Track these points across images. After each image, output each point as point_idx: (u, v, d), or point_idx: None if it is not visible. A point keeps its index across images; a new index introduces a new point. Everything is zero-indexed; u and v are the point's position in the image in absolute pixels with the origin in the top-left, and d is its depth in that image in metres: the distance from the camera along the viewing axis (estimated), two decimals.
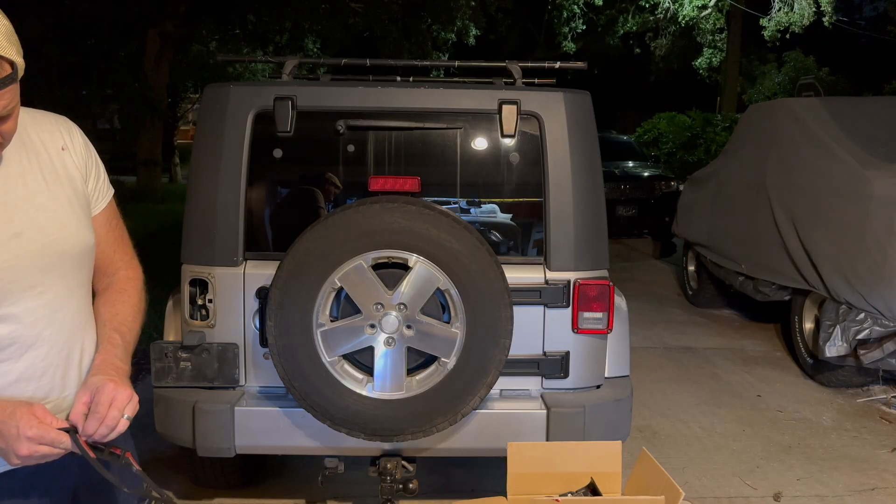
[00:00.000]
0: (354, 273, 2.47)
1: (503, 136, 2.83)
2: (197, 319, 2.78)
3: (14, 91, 1.27)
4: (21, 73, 1.27)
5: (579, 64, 3.35)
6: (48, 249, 1.41)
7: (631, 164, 11.83)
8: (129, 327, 1.56)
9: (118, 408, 1.34)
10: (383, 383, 2.51)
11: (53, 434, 1.28)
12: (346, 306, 2.53)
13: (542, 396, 2.82)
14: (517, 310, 2.56)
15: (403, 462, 2.79)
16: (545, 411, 2.73)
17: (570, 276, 2.80)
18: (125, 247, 1.65)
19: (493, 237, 2.90)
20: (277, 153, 2.82)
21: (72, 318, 1.47)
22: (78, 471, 1.49)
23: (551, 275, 2.80)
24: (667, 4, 19.42)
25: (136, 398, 1.38)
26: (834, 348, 4.70)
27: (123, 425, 1.34)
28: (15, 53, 1.25)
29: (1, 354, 1.37)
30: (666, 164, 15.73)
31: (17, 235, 1.37)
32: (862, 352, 4.61)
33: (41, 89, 9.99)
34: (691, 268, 7.68)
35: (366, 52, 16.97)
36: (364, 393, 2.51)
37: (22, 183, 1.40)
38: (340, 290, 2.50)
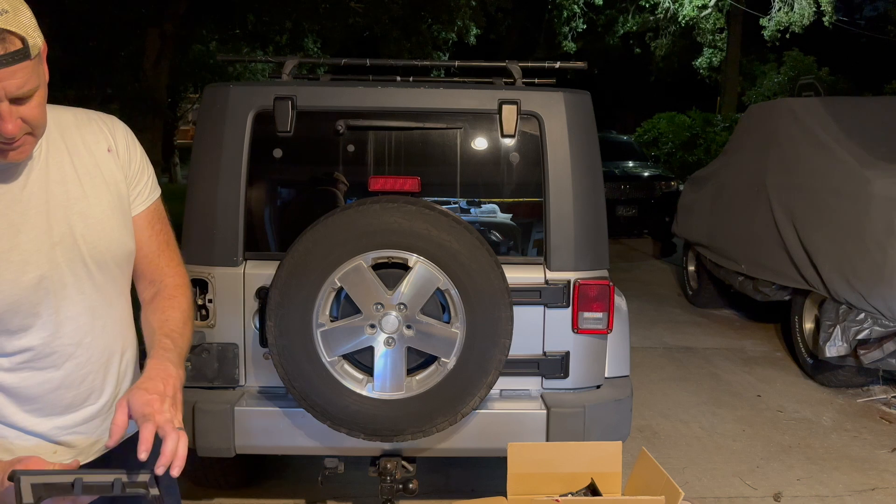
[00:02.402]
0: (354, 273, 2.47)
1: (503, 136, 2.83)
2: (197, 319, 2.78)
3: (29, 70, 1.21)
4: (36, 52, 1.22)
5: (579, 64, 3.35)
6: (88, 258, 1.39)
7: (631, 164, 11.83)
8: (181, 332, 1.47)
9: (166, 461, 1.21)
10: (383, 383, 2.51)
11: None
12: (346, 306, 2.53)
13: (542, 396, 2.82)
14: (517, 310, 2.56)
15: (403, 462, 2.79)
16: (545, 411, 2.73)
17: (570, 276, 2.80)
18: (171, 252, 1.57)
19: (493, 237, 2.90)
20: (277, 153, 2.82)
21: (112, 325, 1.45)
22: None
23: (551, 275, 2.80)
24: (667, 4, 19.42)
25: (183, 439, 1.24)
26: (834, 348, 4.70)
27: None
28: (30, 31, 1.20)
29: (41, 363, 1.36)
30: (666, 164, 15.74)
31: (57, 244, 1.35)
32: (862, 352, 4.61)
33: None
34: (691, 268, 7.68)
35: (366, 52, 16.96)
36: (364, 393, 2.51)
37: (63, 189, 1.38)
38: (340, 290, 2.50)
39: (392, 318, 2.48)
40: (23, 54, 1.19)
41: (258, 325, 2.76)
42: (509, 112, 2.80)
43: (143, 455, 1.18)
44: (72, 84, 12.32)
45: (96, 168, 1.43)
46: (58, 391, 1.38)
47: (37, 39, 1.22)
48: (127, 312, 1.51)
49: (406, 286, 2.47)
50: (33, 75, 1.23)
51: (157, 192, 1.56)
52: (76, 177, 1.40)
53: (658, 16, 20.58)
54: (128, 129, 1.53)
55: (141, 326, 1.53)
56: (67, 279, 1.37)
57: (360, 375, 2.55)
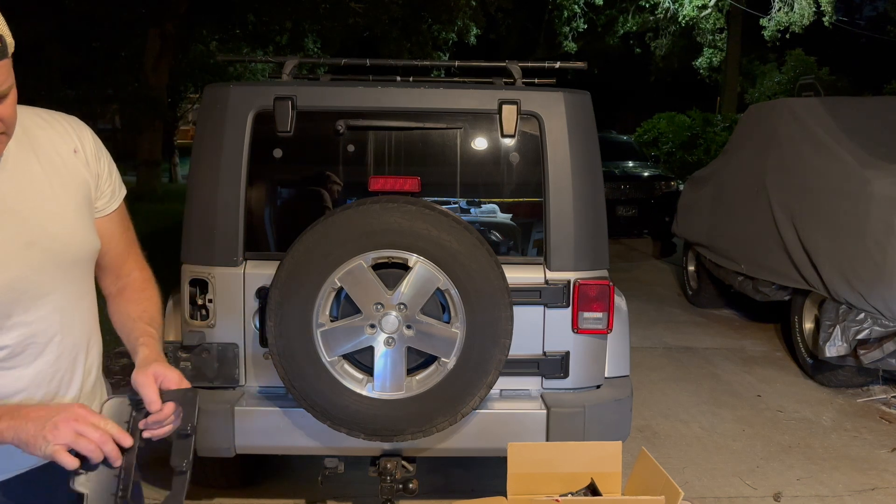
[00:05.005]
0: (354, 273, 2.47)
1: (503, 136, 2.83)
2: (197, 319, 2.78)
3: (6, 68, 1.22)
4: (11, 50, 1.23)
5: (579, 64, 3.35)
6: (59, 257, 1.40)
7: (631, 164, 11.82)
8: (159, 323, 1.57)
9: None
10: (383, 383, 2.51)
11: (104, 420, 1.26)
12: (346, 306, 2.53)
13: (542, 396, 2.82)
14: (517, 310, 2.56)
15: (403, 462, 2.80)
16: (545, 411, 2.73)
17: (570, 276, 2.80)
18: (136, 250, 1.64)
19: (493, 237, 2.90)
20: (277, 153, 2.82)
21: (80, 322, 1.47)
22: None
23: (551, 275, 2.80)
24: (667, 4, 19.43)
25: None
26: (834, 348, 4.70)
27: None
28: (4, 29, 1.21)
29: (13, 361, 1.36)
30: (666, 164, 15.73)
31: (30, 244, 1.36)
32: (862, 352, 4.61)
33: (42, 89, 10.00)
34: (691, 268, 7.68)
35: (366, 52, 16.97)
36: (364, 393, 2.51)
37: (32, 190, 1.38)
38: (340, 290, 2.50)
39: (392, 318, 2.48)
40: (2, 53, 1.20)
41: (258, 325, 2.76)
42: (509, 112, 2.80)
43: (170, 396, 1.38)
44: (72, 84, 12.31)
45: (63, 168, 1.44)
46: (28, 389, 1.39)
47: (10, 38, 1.23)
48: (93, 309, 1.54)
49: (406, 286, 2.47)
50: (9, 74, 1.24)
51: (124, 191, 1.61)
52: (45, 177, 1.41)
53: (658, 16, 20.59)
54: (93, 133, 1.55)
55: (110, 316, 1.58)
56: (40, 279, 1.37)
57: (360, 375, 2.55)
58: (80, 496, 1.29)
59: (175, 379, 1.41)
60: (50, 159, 1.43)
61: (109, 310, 1.59)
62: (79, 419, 1.23)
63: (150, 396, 1.35)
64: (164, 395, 1.37)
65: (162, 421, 1.36)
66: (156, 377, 1.38)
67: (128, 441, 1.28)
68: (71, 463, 1.24)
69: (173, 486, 1.36)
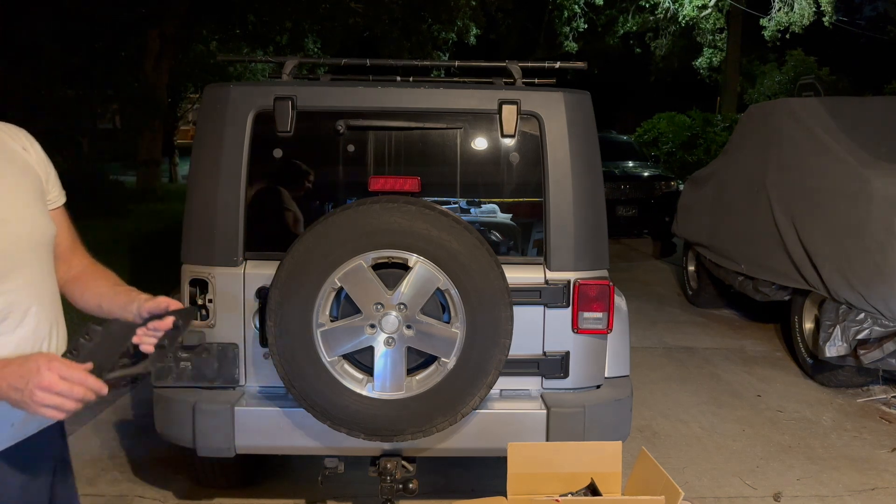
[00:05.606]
0: (354, 273, 2.47)
1: (503, 136, 2.83)
2: (197, 319, 2.78)
3: None
4: None
5: (579, 64, 3.36)
6: (28, 237, 1.53)
7: (631, 164, 11.82)
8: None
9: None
10: (383, 383, 2.51)
11: (80, 372, 1.30)
12: (346, 306, 2.53)
13: (542, 396, 2.82)
14: (517, 310, 2.56)
15: (403, 462, 2.80)
16: (545, 411, 2.73)
17: (570, 276, 2.80)
18: (81, 244, 1.80)
19: (493, 237, 2.90)
20: (277, 153, 2.82)
21: (50, 298, 1.59)
22: (60, 444, 1.65)
23: (551, 275, 2.80)
24: (667, 4, 19.43)
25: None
26: (834, 348, 4.70)
27: None
28: None
29: None
30: (666, 164, 15.74)
31: (5, 222, 1.48)
32: (862, 352, 4.61)
33: (42, 89, 10.00)
34: (691, 268, 7.68)
35: (366, 52, 16.97)
36: (364, 393, 2.51)
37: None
38: (340, 290, 2.50)
39: (392, 318, 2.48)
40: None
41: (258, 325, 2.77)
42: (509, 112, 2.80)
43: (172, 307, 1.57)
44: (72, 84, 12.31)
45: (18, 161, 1.59)
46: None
47: None
48: (57, 292, 1.66)
49: (406, 286, 2.47)
50: None
51: (64, 193, 1.75)
52: (4, 166, 1.54)
53: (658, 16, 20.59)
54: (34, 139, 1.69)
55: (75, 299, 1.72)
56: (14, 254, 1.49)
57: (360, 375, 2.55)
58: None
59: (180, 306, 1.59)
60: (4, 153, 1.57)
61: (73, 293, 1.72)
62: (52, 385, 1.27)
63: (161, 305, 1.55)
64: (168, 313, 1.55)
65: (159, 329, 1.53)
66: (166, 304, 1.56)
67: (104, 390, 1.33)
68: (62, 416, 1.32)
69: (152, 356, 1.53)
